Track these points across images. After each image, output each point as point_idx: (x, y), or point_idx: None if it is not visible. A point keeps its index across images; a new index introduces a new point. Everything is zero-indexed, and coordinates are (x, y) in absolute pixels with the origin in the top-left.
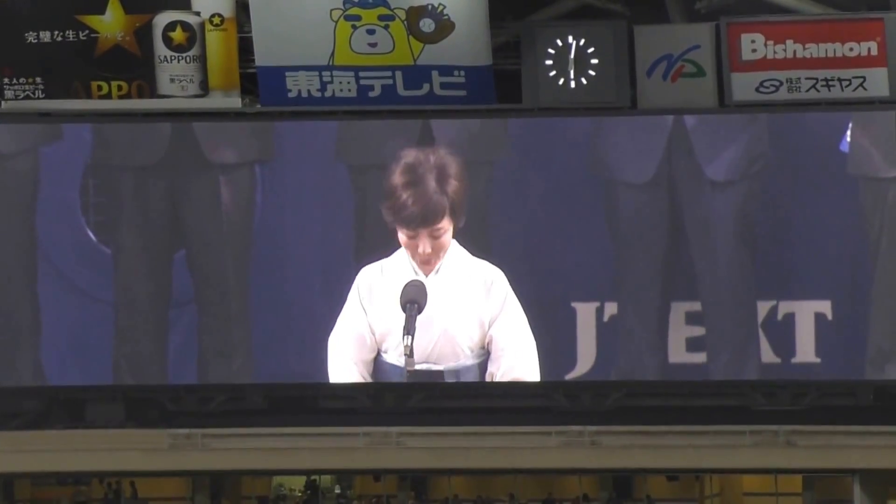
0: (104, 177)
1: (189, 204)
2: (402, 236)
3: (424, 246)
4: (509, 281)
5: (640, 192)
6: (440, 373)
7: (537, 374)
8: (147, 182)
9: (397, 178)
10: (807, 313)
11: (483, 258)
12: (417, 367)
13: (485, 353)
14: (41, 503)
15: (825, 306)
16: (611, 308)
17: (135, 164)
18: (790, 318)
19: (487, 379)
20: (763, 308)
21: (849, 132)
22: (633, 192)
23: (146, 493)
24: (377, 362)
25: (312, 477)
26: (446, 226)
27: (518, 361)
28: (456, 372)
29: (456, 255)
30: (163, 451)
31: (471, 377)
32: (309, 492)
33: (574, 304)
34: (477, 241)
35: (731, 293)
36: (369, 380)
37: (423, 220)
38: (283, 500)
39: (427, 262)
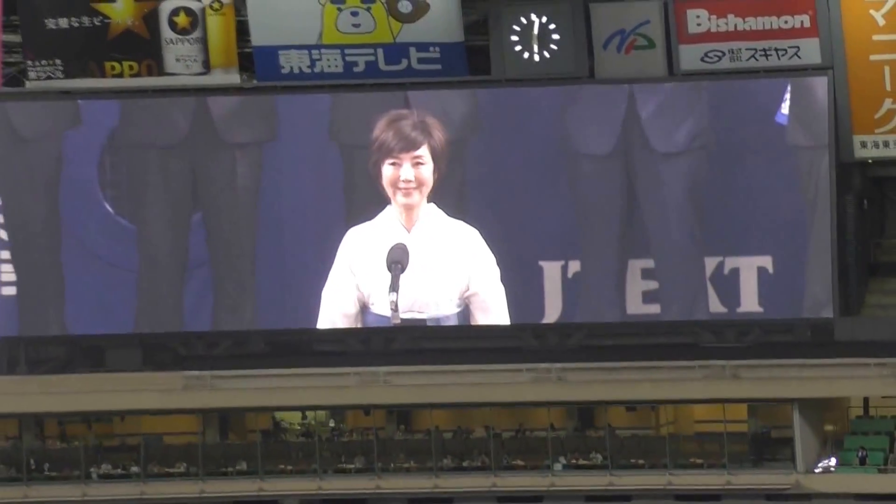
0: (129, 155)
1: (205, 179)
2: (386, 169)
3: (406, 173)
4: (484, 240)
5: (599, 163)
6: (423, 321)
7: (509, 320)
8: (170, 159)
9: (382, 125)
10: (750, 268)
11: (459, 220)
12: (403, 315)
13: (463, 304)
14: (68, 439)
15: (766, 261)
16: (574, 266)
17: (159, 143)
18: (735, 272)
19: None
20: (710, 264)
21: (785, 105)
22: (593, 163)
23: (162, 430)
24: (365, 314)
25: (306, 416)
26: (426, 157)
27: (492, 309)
28: (437, 320)
29: (434, 215)
30: (176, 392)
31: (450, 325)
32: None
33: (541, 263)
34: (454, 206)
35: (681, 251)
36: (359, 326)
37: (404, 148)
38: (284, 433)
39: (411, 194)
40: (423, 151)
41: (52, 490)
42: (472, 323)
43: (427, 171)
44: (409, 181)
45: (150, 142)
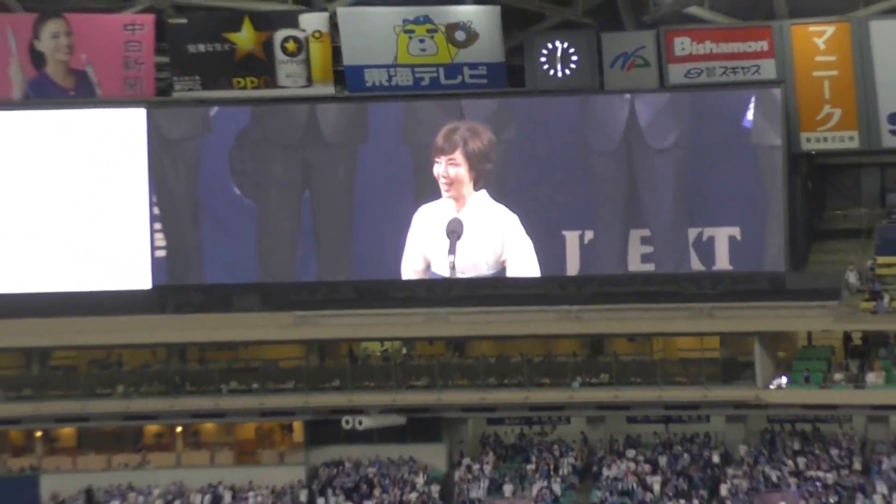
0: (254, 151)
1: (315, 168)
2: (434, 167)
3: (443, 170)
4: (520, 219)
5: (607, 157)
6: (465, 280)
7: (539, 273)
8: (286, 154)
9: (440, 134)
10: (722, 236)
11: (501, 203)
12: (457, 274)
13: (498, 267)
14: (205, 363)
15: (735, 231)
16: (589, 234)
17: (278, 142)
18: (711, 239)
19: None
20: (692, 233)
21: (750, 112)
22: (602, 158)
23: (276, 356)
24: (428, 272)
25: (385, 345)
26: (459, 159)
27: (519, 269)
28: (482, 274)
29: (481, 198)
30: (288, 327)
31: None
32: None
33: (564, 232)
34: (497, 190)
35: (670, 223)
36: (427, 278)
37: (442, 151)
38: (368, 359)
39: (450, 188)
40: (457, 155)
41: (192, 402)
42: (512, 275)
43: (460, 171)
44: (445, 177)
45: (268, 141)
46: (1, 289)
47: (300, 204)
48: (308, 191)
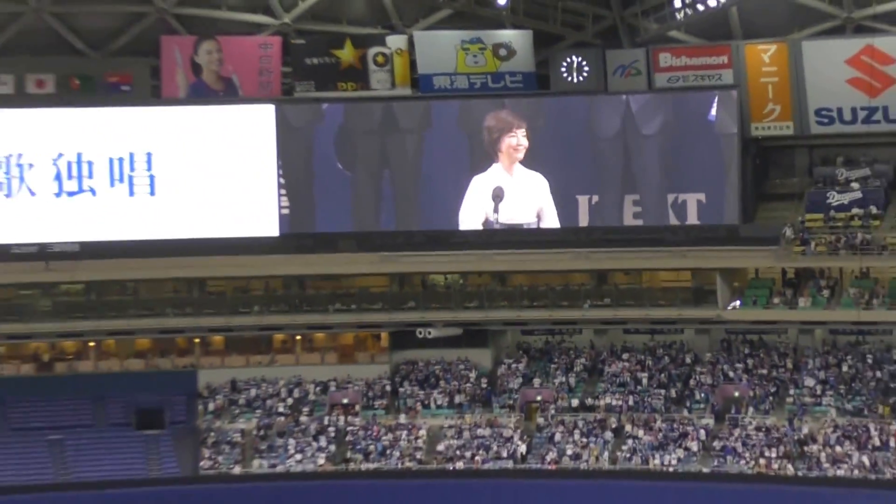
0: (350, 136)
1: (392, 149)
2: (507, 140)
3: (520, 140)
4: (548, 183)
5: (609, 141)
6: (514, 225)
7: (559, 225)
8: (371, 139)
9: (492, 118)
10: (692, 199)
11: (536, 171)
12: (503, 222)
13: (536, 218)
14: (316, 288)
15: (702, 196)
16: (595, 198)
17: (365, 130)
18: (684, 202)
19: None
20: (671, 197)
21: (714, 108)
22: (605, 141)
23: (367, 285)
24: (481, 224)
25: (447, 277)
26: (525, 131)
27: (551, 219)
28: (521, 225)
29: (522, 168)
30: (376, 263)
31: (530, 228)
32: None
33: (577, 196)
34: (531, 164)
35: (654, 190)
36: (477, 228)
37: (517, 126)
38: (435, 287)
39: (517, 152)
40: (525, 129)
41: (307, 318)
42: (541, 226)
43: (526, 140)
44: (522, 145)
45: (360, 129)
46: (173, 235)
47: (381, 175)
48: (387, 167)
